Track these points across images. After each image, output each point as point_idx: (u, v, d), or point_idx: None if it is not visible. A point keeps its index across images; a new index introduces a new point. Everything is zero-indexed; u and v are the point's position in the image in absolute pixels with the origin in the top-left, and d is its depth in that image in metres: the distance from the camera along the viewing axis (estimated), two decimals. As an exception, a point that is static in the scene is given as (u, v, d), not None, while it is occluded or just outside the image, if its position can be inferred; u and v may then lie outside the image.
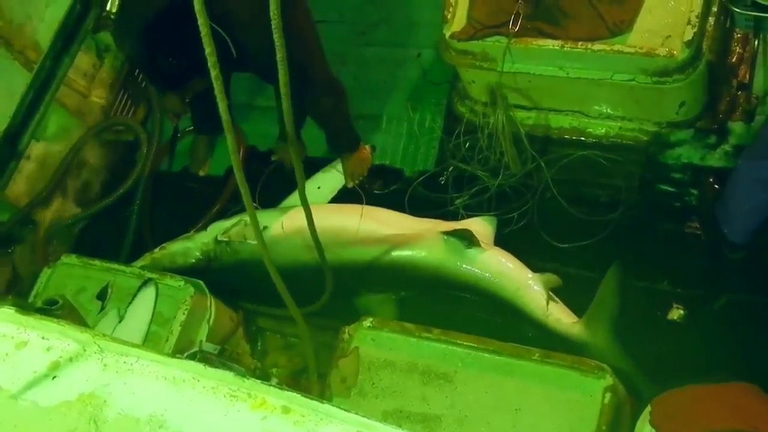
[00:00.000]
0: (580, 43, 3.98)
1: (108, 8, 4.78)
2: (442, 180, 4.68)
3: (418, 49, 5.05)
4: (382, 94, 5.03)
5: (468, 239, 4.07)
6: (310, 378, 3.60)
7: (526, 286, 4.06)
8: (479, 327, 3.84)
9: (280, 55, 2.60)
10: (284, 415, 1.64)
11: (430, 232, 4.25)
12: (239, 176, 2.79)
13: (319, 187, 4.75)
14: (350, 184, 4.83)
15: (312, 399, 1.66)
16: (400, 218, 4.43)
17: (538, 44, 4.05)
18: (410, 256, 4.23)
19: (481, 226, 4.32)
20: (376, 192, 4.77)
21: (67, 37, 4.65)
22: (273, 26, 2.49)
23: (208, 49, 2.36)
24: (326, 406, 1.65)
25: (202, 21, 2.34)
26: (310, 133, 4.74)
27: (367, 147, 4.85)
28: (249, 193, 2.85)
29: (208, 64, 2.41)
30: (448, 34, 4.23)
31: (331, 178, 4.80)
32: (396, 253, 4.24)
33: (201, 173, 5.16)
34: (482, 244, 4.15)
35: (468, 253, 4.12)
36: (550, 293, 4.02)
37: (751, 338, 3.89)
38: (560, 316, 3.99)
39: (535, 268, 4.24)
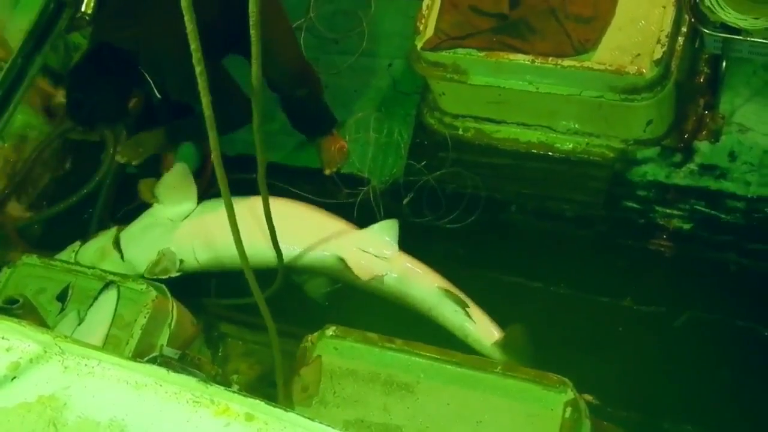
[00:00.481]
0: (550, 59, 4.00)
1: (83, 9, 4.73)
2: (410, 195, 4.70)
3: (390, 59, 5.06)
4: (352, 103, 5.02)
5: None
6: (278, 381, 3.55)
7: (437, 303, 4.15)
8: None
9: (255, 50, 2.55)
10: (247, 422, 1.62)
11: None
12: (220, 172, 2.74)
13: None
14: (327, 172, 4.86)
15: (276, 407, 1.65)
16: (318, 216, 4.45)
17: (508, 58, 4.07)
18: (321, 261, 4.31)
19: (385, 230, 4.33)
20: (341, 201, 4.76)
21: (40, 36, 4.59)
22: (251, 21, 2.45)
23: (194, 45, 2.31)
24: (290, 414, 1.63)
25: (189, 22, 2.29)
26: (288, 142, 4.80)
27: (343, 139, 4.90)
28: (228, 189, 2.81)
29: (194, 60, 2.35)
30: (419, 45, 4.24)
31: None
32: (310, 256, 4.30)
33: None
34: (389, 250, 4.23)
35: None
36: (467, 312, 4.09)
37: (710, 356, 3.92)
38: (479, 337, 4.06)
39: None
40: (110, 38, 4.00)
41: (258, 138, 2.98)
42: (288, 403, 3.43)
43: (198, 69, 2.32)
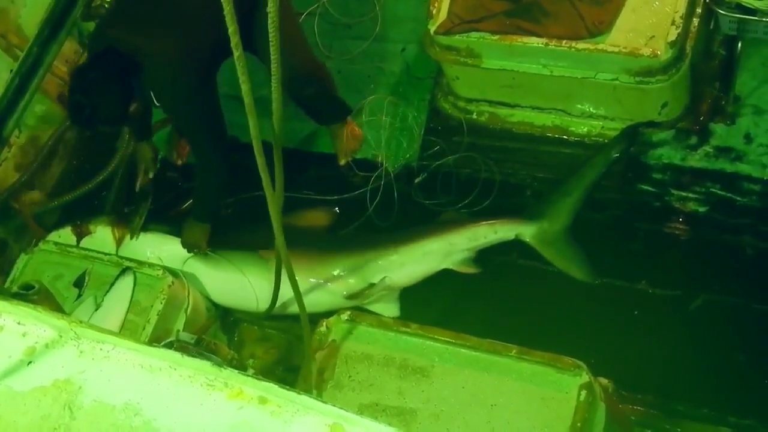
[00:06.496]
0: (564, 42, 3.99)
1: (101, -3, 4.77)
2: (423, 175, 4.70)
3: (403, 44, 5.05)
4: (365, 88, 5.00)
5: None
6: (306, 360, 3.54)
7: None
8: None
9: (274, 56, 2.47)
10: (261, 405, 1.63)
11: None
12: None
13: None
14: (342, 161, 4.83)
15: (289, 390, 1.66)
16: None
17: (522, 41, 4.06)
18: None
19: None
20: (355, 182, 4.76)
21: (56, 24, 4.58)
22: (270, 26, 2.38)
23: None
24: (303, 397, 1.64)
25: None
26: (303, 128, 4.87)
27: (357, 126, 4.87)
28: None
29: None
30: (433, 29, 4.23)
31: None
32: None
33: (179, 162, 5.13)
34: None
35: None
36: None
37: (725, 339, 3.91)
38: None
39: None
40: (116, 37, 3.94)
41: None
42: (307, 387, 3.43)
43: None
